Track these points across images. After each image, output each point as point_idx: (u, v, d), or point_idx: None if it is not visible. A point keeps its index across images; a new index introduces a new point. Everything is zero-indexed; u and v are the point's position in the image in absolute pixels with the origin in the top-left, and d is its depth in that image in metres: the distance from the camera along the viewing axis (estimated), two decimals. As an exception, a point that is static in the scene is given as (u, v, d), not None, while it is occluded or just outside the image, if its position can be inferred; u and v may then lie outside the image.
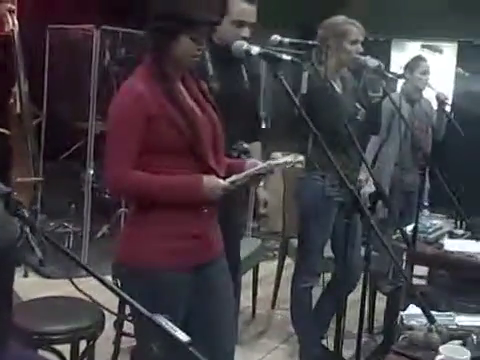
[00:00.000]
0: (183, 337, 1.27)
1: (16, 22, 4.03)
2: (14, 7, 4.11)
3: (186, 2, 1.82)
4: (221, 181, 1.86)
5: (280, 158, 2.03)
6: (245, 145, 2.59)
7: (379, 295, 3.76)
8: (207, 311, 1.98)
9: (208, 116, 1.95)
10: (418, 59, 4.15)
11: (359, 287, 2.68)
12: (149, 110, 1.80)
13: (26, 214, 1.50)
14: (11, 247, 1.80)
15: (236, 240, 2.81)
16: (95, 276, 1.42)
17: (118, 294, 1.40)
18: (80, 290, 1.49)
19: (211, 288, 1.99)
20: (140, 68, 1.90)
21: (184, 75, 1.95)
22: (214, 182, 1.84)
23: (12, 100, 4.07)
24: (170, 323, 1.30)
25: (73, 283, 1.49)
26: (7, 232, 1.81)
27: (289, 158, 1.99)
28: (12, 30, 4.02)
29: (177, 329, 1.29)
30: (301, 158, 1.96)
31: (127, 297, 1.37)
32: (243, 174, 1.89)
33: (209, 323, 1.98)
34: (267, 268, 4.23)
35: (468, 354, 1.77)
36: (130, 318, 2.00)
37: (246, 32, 2.45)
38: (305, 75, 2.13)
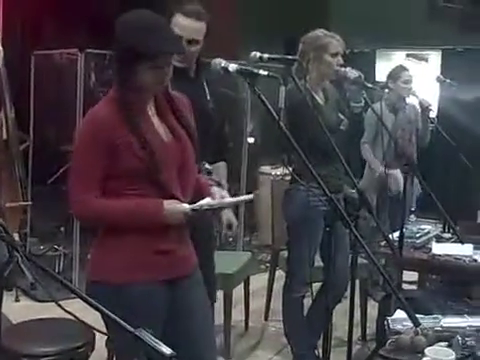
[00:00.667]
0: (166, 350, 1.29)
1: (1, 48, 4.06)
2: (-2, 33, 4.16)
3: (144, 33, 1.82)
4: (182, 207, 1.87)
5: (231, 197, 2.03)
6: (207, 166, 2.60)
7: (372, 302, 3.79)
8: (184, 326, 1.99)
9: (178, 140, 1.96)
10: (400, 69, 4.22)
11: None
12: (111, 137, 1.82)
13: (9, 236, 1.53)
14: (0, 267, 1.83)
15: (208, 252, 2.77)
16: (79, 295, 1.45)
17: (102, 312, 1.43)
18: (67, 311, 1.51)
19: (186, 303, 2.00)
20: (108, 95, 1.93)
21: (157, 99, 1.97)
22: (175, 208, 1.86)
23: (-2, 126, 4.11)
24: (153, 337, 1.32)
25: (59, 305, 1.50)
26: None
27: (243, 197, 2.01)
28: (-4, 57, 4.05)
29: (160, 343, 1.31)
30: (249, 197, 1.96)
31: (111, 315, 1.39)
32: (205, 204, 1.90)
33: (187, 337, 1.99)
34: (259, 281, 4.24)
35: (453, 355, 1.80)
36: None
37: (193, 48, 2.47)
38: (282, 89, 2.16)
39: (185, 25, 2.47)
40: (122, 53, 1.85)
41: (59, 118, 4.69)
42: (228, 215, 2.78)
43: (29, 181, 4.34)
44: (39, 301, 3.98)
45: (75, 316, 1.66)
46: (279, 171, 5.38)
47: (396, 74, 4.18)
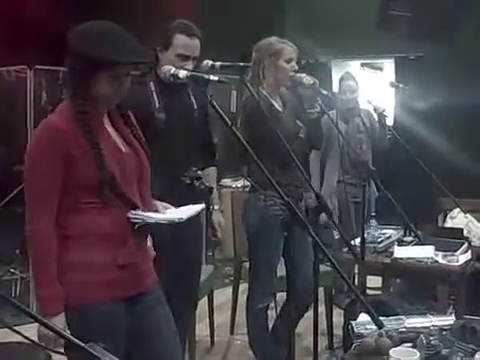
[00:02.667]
0: (119, 364, 1.23)
1: None
2: None
3: (102, 42, 1.78)
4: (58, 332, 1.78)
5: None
6: (197, 171, 2.61)
7: (338, 310, 3.76)
8: (148, 345, 1.93)
9: (134, 151, 1.94)
10: (342, 79, 4.27)
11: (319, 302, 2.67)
12: (67, 148, 1.77)
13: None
14: None
15: (196, 263, 2.79)
16: (35, 318, 1.37)
17: (56, 332, 1.36)
18: (20, 333, 1.44)
19: (149, 321, 1.95)
20: (61, 105, 1.87)
21: (110, 110, 1.93)
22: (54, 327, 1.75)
23: None
24: (105, 351, 1.26)
25: (14, 330, 1.43)
26: None
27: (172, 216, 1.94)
28: None
29: (114, 357, 1.25)
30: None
31: (63, 332, 1.32)
32: (141, 214, 1.86)
33: (152, 357, 1.94)
34: (224, 295, 4.21)
35: (417, 355, 1.78)
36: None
37: (189, 65, 2.52)
38: (234, 94, 2.15)
39: (191, 44, 2.55)
40: (78, 62, 1.79)
41: (9, 137, 4.56)
42: (217, 216, 2.92)
43: (-19, 203, 4.20)
44: (-4, 327, 3.84)
45: (31, 340, 1.59)
46: (240, 183, 5.35)
47: (340, 85, 4.24)
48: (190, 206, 2.01)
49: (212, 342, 3.77)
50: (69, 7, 5.43)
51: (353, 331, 2.06)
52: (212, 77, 1.96)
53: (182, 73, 2.02)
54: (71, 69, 1.83)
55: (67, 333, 1.33)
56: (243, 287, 3.85)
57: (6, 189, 4.31)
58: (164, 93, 2.57)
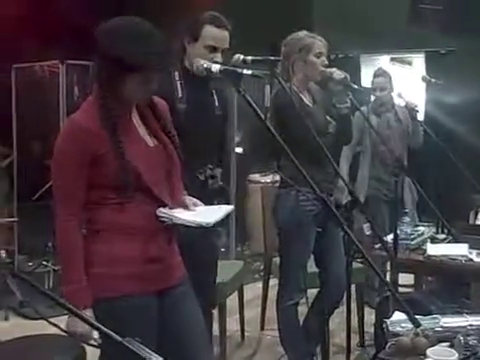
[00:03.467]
0: (157, 359, 1.24)
1: (-20, 63, 4.01)
2: (-23, 49, 4.10)
3: (132, 45, 1.75)
4: (86, 329, 1.77)
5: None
6: (211, 170, 2.56)
7: (368, 308, 3.73)
8: (177, 338, 1.94)
9: (163, 145, 1.93)
10: (375, 75, 4.22)
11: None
12: (93, 146, 1.77)
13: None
14: None
15: (211, 260, 2.73)
16: (69, 310, 1.38)
17: (92, 325, 1.37)
18: (57, 326, 1.45)
19: (177, 314, 1.95)
20: (86, 102, 1.87)
21: (139, 103, 1.92)
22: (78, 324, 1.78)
23: (-20, 142, 4.04)
24: (142, 346, 1.26)
25: (49, 321, 1.45)
26: None
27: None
28: (-24, 72, 4.00)
29: (150, 351, 1.25)
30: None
31: (99, 326, 1.33)
32: (170, 214, 1.86)
33: (181, 349, 1.94)
34: (254, 290, 4.20)
35: (456, 355, 1.74)
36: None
37: (218, 57, 2.44)
38: (267, 88, 2.13)
39: (220, 36, 2.47)
40: (106, 61, 1.77)
41: (42, 131, 4.62)
42: None
43: (15, 197, 4.26)
44: (29, 319, 3.91)
45: (65, 331, 1.60)
46: (269, 178, 5.34)
47: (373, 81, 4.20)
48: (219, 206, 1.99)
49: (242, 337, 3.77)
50: (100, 1, 5.47)
51: (388, 329, 2.03)
52: (245, 71, 1.93)
53: (215, 67, 2.00)
54: (98, 67, 1.81)
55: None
56: (273, 282, 3.85)
57: (39, 183, 4.38)
58: (187, 85, 2.50)
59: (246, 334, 3.78)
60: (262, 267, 4.80)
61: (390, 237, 3.05)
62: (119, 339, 1.26)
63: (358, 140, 4.03)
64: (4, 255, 3.80)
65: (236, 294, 3.63)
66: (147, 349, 1.26)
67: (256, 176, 5.58)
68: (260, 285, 4.04)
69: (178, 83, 2.49)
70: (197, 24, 2.47)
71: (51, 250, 4.58)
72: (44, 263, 4.60)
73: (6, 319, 3.91)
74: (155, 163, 1.87)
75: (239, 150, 5.60)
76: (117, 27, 1.80)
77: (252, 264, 5.13)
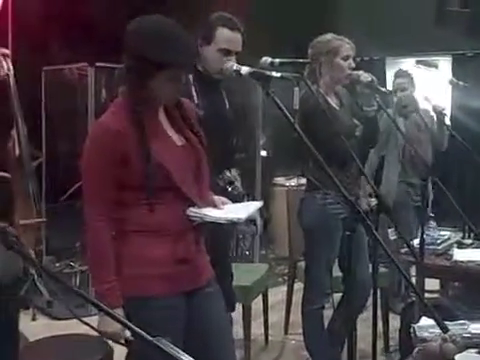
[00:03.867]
0: (187, 359, 1.25)
1: (11, 66, 4.07)
2: (8, 51, 4.16)
3: (160, 43, 1.78)
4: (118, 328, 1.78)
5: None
6: (229, 175, 2.57)
7: (391, 314, 3.70)
8: (202, 339, 1.95)
9: (191, 145, 1.94)
10: (395, 76, 4.20)
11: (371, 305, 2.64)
12: (123, 147, 1.79)
13: (27, 253, 1.50)
14: (14, 283, 1.81)
15: (225, 261, 2.72)
16: (100, 307, 1.40)
17: (124, 324, 1.38)
18: (88, 325, 1.46)
19: (204, 315, 1.96)
20: (114, 104, 1.88)
21: (166, 103, 1.93)
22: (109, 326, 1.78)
23: (11, 143, 4.09)
24: (173, 346, 1.27)
25: (80, 319, 1.48)
26: (10, 269, 1.81)
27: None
28: (7, 74, 4.05)
29: (180, 351, 1.26)
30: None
31: (130, 325, 1.34)
32: (200, 212, 1.87)
33: (206, 350, 1.94)
34: (277, 294, 4.19)
35: (485, 361, 1.73)
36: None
37: (232, 60, 2.43)
38: (296, 90, 2.13)
39: (233, 38, 2.47)
40: (136, 62, 1.79)
41: (71, 134, 4.69)
42: None
43: (43, 197, 4.32)
44: (56, 319, 3.97)
45: (97, 330, 1.61)
46: (293, 182, 5.34)
47: (394, 82, 4.17)
48: (247, 203, 2.00)
49: (266, 341, 3.76)
50: (127, 4, 5.54)
51: (415, 335, 2.02)
52: (274, 74, 1.94)
53: (244, 70, 2.00)
54: (128, 68, 1.83)
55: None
56: (297, 286, 3.85)
57: (68, 184, 4.44)
58: (201, 88, 2.50)
59: (270, 338, 3.78)
60: (286, 271, 4.81)
61: (416, 242, 3.03)
62: (150, 338, 1.28)
63: (384, 143, 4.01)
64: (32, 255, 3.85)
65: (260, 297, 3.62)
66: (178, 349, 1.27)
67: (281, 179, 5.58)
68: (283, 289, 4.04)
69: (193, 88, 2.48)
70: (210, 26, 2.47)
71: (78, 251, 4.64)
72: (71, 264, 4.65)
73: (34, 319, 3.96)
74: (183, 162, 1.88)
75: (263, 153, 5.60)
76: (145, 26, 1.83)
77: (276, 268, 5.12)
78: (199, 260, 1.95)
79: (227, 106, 2.66)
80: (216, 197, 2.01)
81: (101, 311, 1.41)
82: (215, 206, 1.96)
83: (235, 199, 2.48)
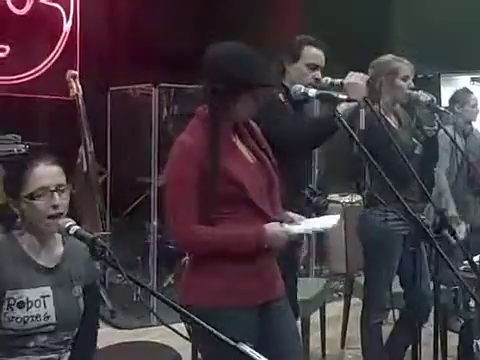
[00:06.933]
0: (268, 363, 1.33)
1: (80, 87, 4.29)
2: (77, 73, 4.39)
3: (248, 66, 1.89)
4: (282, 230, 1.89)
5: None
6: (312, 188, 2.69)
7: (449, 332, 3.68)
8: (274, 352, 1.97)
9: (262, 162, 2.02)
10: (465, 92, 4.19)
11: (429, 322, 2.65)
12: (200, 164, 1.87)
13: (110, 256, 1.64)
14: (96, 283, 1.96)
15: (292, 276, 2.80)
16: (180, 311, 1.49)
17: (200, 326, 1.45)
18: (175, 331, 1.53)
19: (276, 328, 2.02)
20: (192, 122, 1.98)
21: (237, 123, 2.02)
22: (276, 232, 1.89)
23: (79, 160, 4.31)
24: (253, 351, 1.36)
25: (168, 326, 1.54)
26: (93, 271, 1.97)
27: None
28: (77, 94, 4.28)
29: (261, 356, 1.35)
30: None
31: (211, 329, 1.44)
32: (298, 230, 1.94)
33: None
34: (333, 309, 4.21)
35: None
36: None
37: (318, 75, 2.62)
38: (362, 112, 2.21)
39: (319, 54, 2.68)
40: (221, 83, 1.88)
41: (134, 151, 4.87)
42: None
43: (107, 212, 4.50)
44: (119, 328, 4.09)
45: (185, 337, 1.66)
46: (348, 198, 5.37)
47: (462, 98, 4.15)
48: (328, 217, 2.06)
49: (323, 355, 3.80)
50: (186, 27, 5.73)
51: (478, 349, 2.05)
52: (340, 96, 2.03)
53: (312, 92, 2.11)
54: (212, 90, 1.91)
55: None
56: (353, 301, 3.88)
57: (130, 199, 4.61)
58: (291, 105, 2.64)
59: (327, 352, 3.81)
60: (340, 286, 4.84)
61: (476, 259, 3.04)
62: (233, 343, 1.37)
63: (449, 159, 4.01)
64: (98, 267, 4.01)
65: (318, 312, 3.67)
66: (258, 354, 1.36)
67: (335, 196, 5.62)
68: (338, 304, 4.07)
69: (287, 105, 2.61)
70: (297, 45, 2.65)
71: (140, 264, 4.78)
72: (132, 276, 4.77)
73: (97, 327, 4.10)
74: (256, 179, 1.96)
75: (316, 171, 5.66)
76: (230, 50, 1.94)
77: (331, 283, 5.15)
78: (272, 274, 2.02)
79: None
80: (291, 214, 2.05)
81: (179, 312, 1.52)
82: (291, 221, 2.01)
83: (319, 208, 2.63)
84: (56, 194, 1.81)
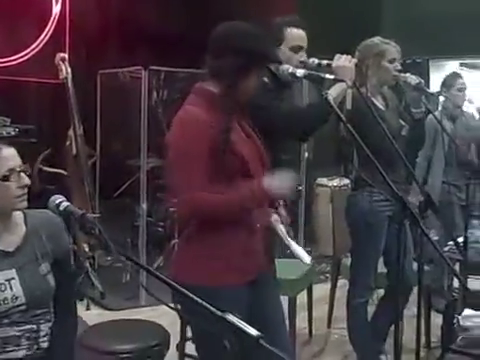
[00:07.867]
0: (254, 332, 1.37)
1: (69, 70, 4.29)
2: (66, 55, 4.38)
3: (258, 40, 1.94)
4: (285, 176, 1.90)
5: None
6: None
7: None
8: (262, 319, 2.02)
9: (253, 140, 2.05)
10: (454, 76, 4.24)
11: (413, 301, 2.70)
12: (209, 136, 1.88)
13: (99, 232, 1.67)
14: (66, 256, 1.99)
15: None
16: (172, 286, 1.52)
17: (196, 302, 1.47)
18: (173, 308, 1.54)
19: (264, 297, 2.08)
20: (193, 98, 1.98)
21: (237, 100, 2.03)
22: (280, 179, 1.90)
23: (68, 142, 4.31)
24: (240, 320, 1.40)
25: (167, 305, 1.60)
26: (61, 244, 1.99)
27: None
28: (65, 77, 4.27)
29: (247, 325, 1.39)
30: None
31: (199, 300, 1.47)
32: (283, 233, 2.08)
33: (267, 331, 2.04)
34: (320, 290, 4.29)
35: None
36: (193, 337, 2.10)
37: (304, 56, 2.57)
38: (349, 92, 2.24)
39: (302, 35, 2.60)
40: (237, 57, 1.90)
41: (124, 134, 4.88)
42: None
43: (96, 195, 4.52)
44: (108, 309, 4.14)
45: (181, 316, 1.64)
46: (336, 182, 5.41)
47: (450, 82, 4.19)
48: (305, 253, 2.22)
49: (310, 334, 3.87)
50: (176, 11, 5.71)
51: (459, 324, 2.11)
52: (328, 76, 2.06)
53: (300, 72, 2.13)
54: (227, 64, 1.91)
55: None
56: (340, 283, 3.95)
57: (120, 181, 4.63)
58: (277, 89, 2.60)
59: (313, 332, 3.88)
60: (328, 269, 4.90)
61: (460, 239, 3.10)
62: (219, 313, 1.41)
63: (430, 146, 4.07)
64: (87, 249, 4.03)
65: (305, 293, 3.72)
66: (244, 323, 1.39)
67: (324, 180, 5.66)
68: (325, 286, 4.14)
69: (273, 90, 2.55)
70: (279, 28, 2.58)
71: (129, 246, 4.81)
72: (121, 259, 4.80)
73: (87, 309, 4.14)
74: (254, 154, 2.00)
75: (306, 155, 5.70)
76: (241, 27, 1.98)
77: (318, 266, 5.22)
78: (265, 250, 2.06)
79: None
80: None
81: (172, 288, 1.55)
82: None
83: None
84: (23, 174, 1.86)
